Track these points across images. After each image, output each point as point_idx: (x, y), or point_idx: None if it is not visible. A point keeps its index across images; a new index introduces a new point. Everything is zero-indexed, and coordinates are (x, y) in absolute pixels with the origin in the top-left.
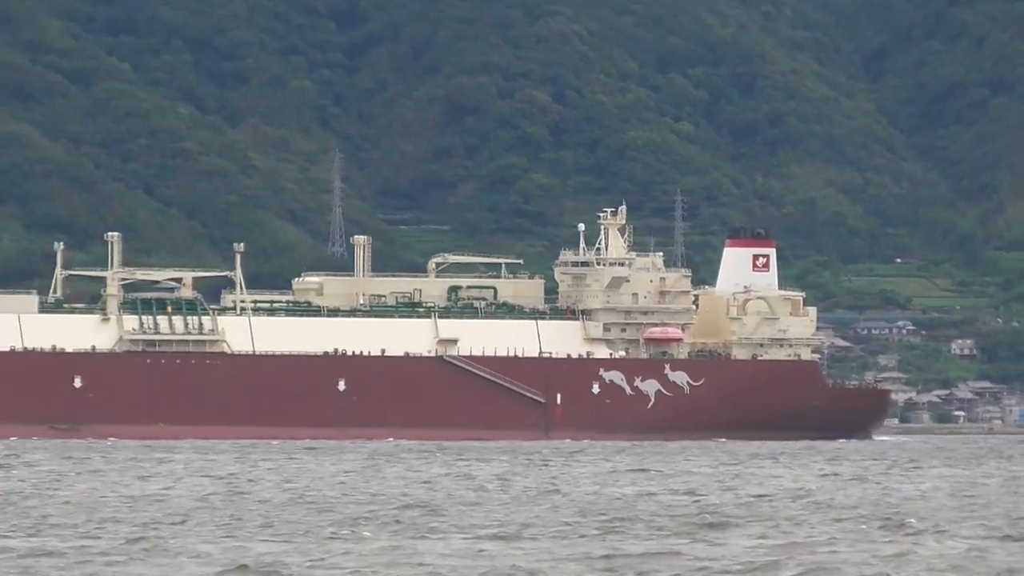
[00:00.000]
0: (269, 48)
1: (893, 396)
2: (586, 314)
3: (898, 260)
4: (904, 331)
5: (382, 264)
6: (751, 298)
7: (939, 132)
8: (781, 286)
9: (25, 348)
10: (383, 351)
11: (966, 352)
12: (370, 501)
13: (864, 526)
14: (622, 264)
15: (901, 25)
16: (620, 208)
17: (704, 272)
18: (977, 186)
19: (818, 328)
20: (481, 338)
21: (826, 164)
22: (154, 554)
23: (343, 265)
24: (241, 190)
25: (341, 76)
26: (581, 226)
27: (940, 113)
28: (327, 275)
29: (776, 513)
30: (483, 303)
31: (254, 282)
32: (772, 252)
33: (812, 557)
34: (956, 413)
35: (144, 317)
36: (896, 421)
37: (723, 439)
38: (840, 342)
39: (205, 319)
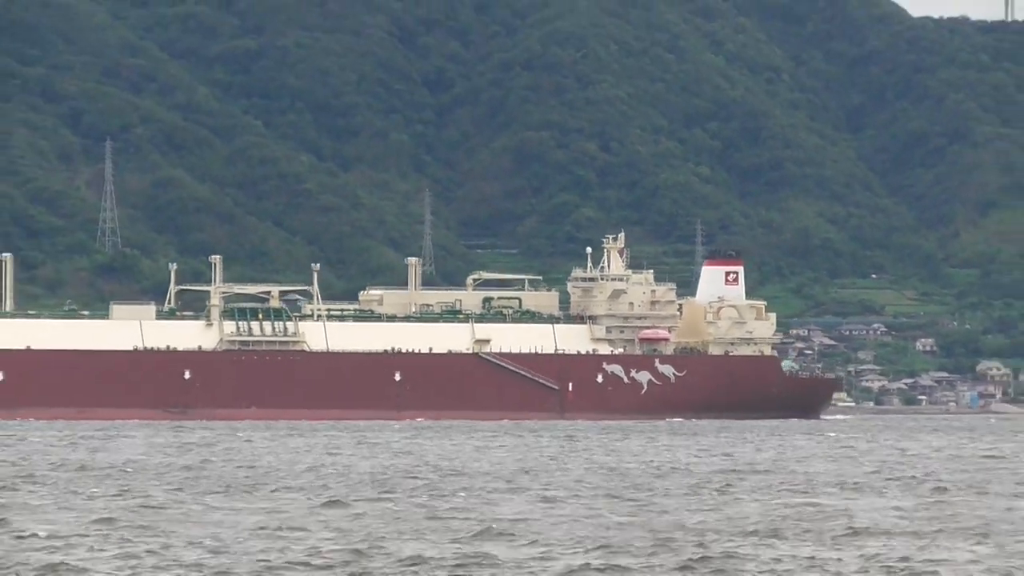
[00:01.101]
0: (374, 108)
1: (869, 384)
2: (592, 319)
3: (874, 276)
4: (878, 332)
5: (464, 280)
6: (724, 306)
7: (907, 174)
8: (752, 296)
9: (145, 348)
10: (430, 349)
11: (928, 349)
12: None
13: None
14: (621, 279)
15: (876, 88)
16: (620, 234)
17: None
18: (937, 217)
19: (809, 331)
20: (509, 338)
21: (817, 199)
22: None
23: (431, 280)
24: (351, 222)
25: (431, 131)
26: (588, 249)
27: (908, 159)
28: (386, 289)
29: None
30: (510, 311)
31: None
32: (740, 269)
33: None
34: (920, 397)
35: (240, 323)
36: (872, 404)
37: (704, 419)
38: (827, 341)
39: (289, 324)
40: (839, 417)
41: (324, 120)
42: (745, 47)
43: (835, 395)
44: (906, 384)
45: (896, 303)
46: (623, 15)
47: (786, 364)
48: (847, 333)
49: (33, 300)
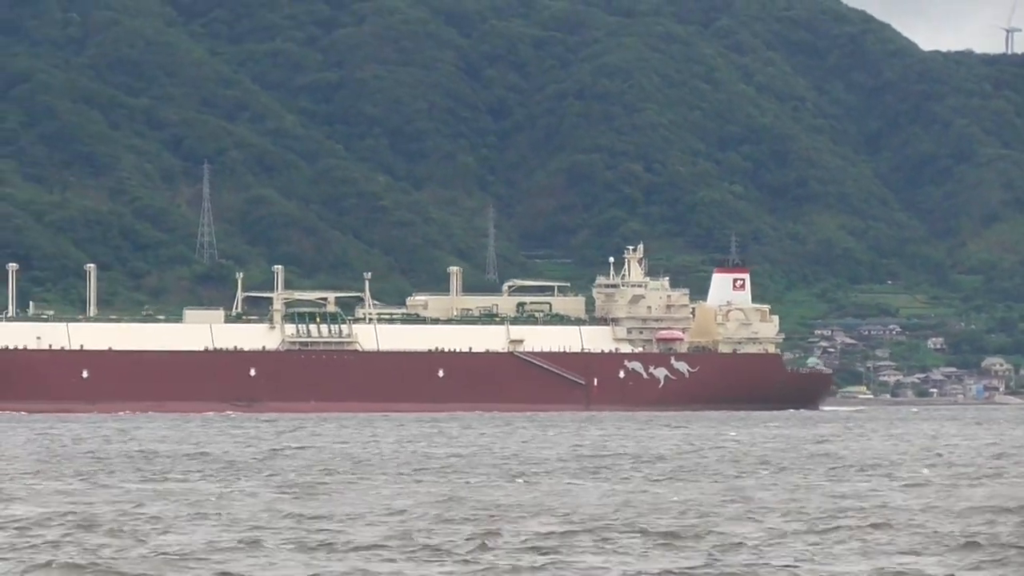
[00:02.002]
0: (443, 133)
1: (886, 379)
2: (614, 321)
3: (890, 281)
4: (894, 332)
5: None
6: (732, 309)
7: (918, 191)
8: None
9: (215, 348)
10: (470, 348)
11: (938, 347)
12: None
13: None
14: (640, 286)
15: (891, 115)
16: (639, 245)
17: None
18: (945, 229)
19: (832, 331)
20: (540, 339)
21: (838, 214)
22: None
23: (495, 287)
24: (423, 236)
25: (494, 153)
26: (611, 259)
27: (919, 177)
28: (430, 295)
29: None
30: (541, 314)
31: None
32: (747, 276)
33: None
34: (931, 390)
35: (300, 325)
36: (888, 396)
37: (714, 410)
38: (848, 340)
39: (343, 326)
40: (838, 408)
41: (398, 144)
42: (773, 78)
43: (854, 388)
44: (919, 378)
45: (909, 306)
46: (665, 50)
47: (811, 361)
48: (866, 333)
49: (139, 305)
